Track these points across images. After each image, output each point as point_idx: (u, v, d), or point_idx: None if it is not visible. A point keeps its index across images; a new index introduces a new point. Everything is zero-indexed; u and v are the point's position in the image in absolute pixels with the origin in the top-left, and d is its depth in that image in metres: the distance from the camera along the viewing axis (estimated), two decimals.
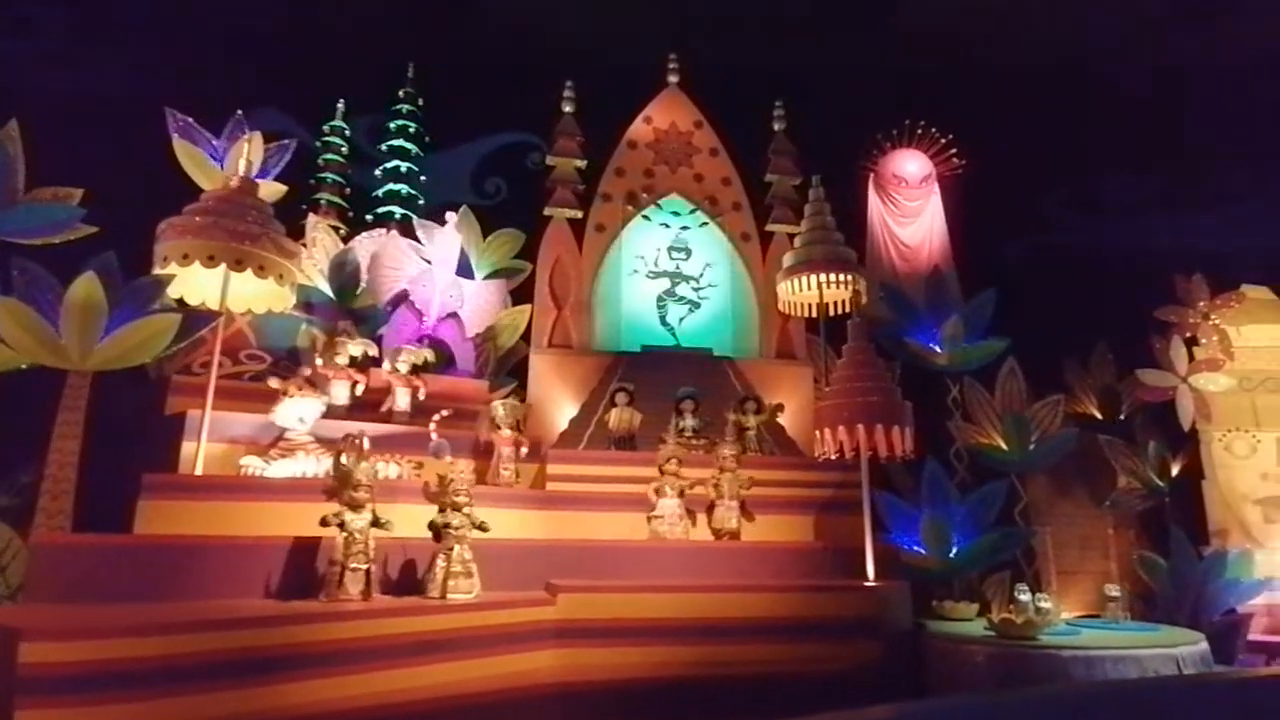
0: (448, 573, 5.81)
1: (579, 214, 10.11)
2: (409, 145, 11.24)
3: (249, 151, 7.79)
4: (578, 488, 7.90)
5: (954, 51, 14.31)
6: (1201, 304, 10.69)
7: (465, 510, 5.98)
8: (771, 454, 9.02)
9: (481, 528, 6.01)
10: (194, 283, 6.86)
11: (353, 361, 7.89)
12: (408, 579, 6.03)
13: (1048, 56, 14.39)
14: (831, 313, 9.68)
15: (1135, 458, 10.65)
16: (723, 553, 7.51)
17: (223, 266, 6.41)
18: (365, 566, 5.47)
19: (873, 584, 6.99)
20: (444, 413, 7.74)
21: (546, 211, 10.07)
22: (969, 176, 13.10)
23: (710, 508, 7.92)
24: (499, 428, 7.94)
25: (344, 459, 5.65)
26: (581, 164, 10.25)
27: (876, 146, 13.25)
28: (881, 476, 10.37)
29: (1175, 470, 10.62)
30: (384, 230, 9.83)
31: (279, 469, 6.59)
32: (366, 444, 5.78)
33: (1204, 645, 6.84)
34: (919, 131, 13.27)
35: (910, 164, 13.34)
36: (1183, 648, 6.39)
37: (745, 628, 6.34)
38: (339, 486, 5.60)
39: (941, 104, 13.26)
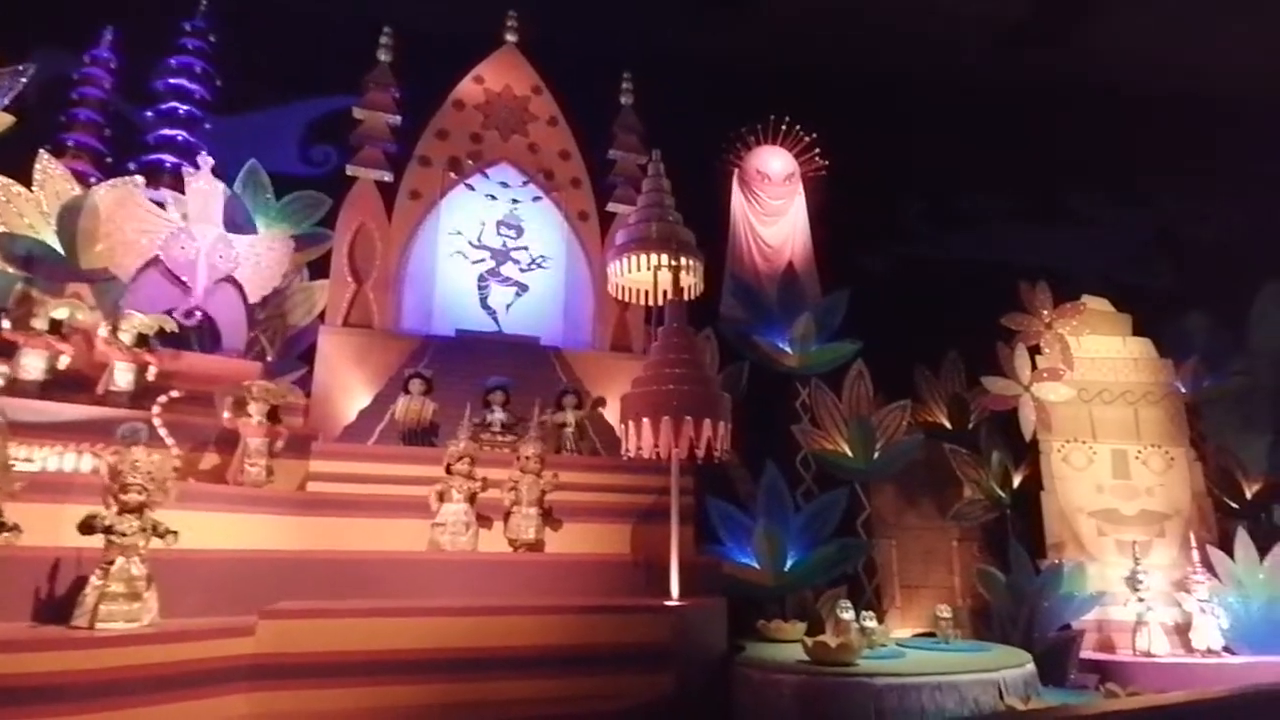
0: (102, 594, 4.39)
1: (388, 176, 8.81)
2: (193, 87, 9.57)
3: None
4: (347, 489, 6.60)
5: (823, 54, 14.01)
6: (1045, 312, 10.54)
7: (143, 513, 4.58)
8: (595, 454, 8.01)
9: (164, 535, 4.63)
10: None
11: (54, 327, 6.29)
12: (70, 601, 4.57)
13: (913, 69, 14.28)
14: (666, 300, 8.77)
15: (979, 468, 10.34)
16: (511, 567, 6.40)
17: None
18: None
19: (676, 603, 6.02)
20: (171, 394, 6.29)
21: (349, 171, 8.73)
22: (831, 181, 12.69)
23: (507, 515, 6.81)
24: (249, 415, 6.55)
25: None
26: (395, 120, 8.95)
27: (741, 141, 12.63)
28: (723, 482, 9.61)
29: (1017, 481, 10.37)
30: (133, 180, 8.11)
31: None
32: None
33: (1030, 667, 6.30)
34: (784, 129, 12.74)
35: (775, 161, 12.75)
36: (1006, 671, 5.78)
37: (511, 659, 5.23)
38: None
39: (806, 105, 12.82)
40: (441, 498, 6.58)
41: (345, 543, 6.31)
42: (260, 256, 8.04)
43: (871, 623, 6.77)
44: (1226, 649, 8.79)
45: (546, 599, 5.94)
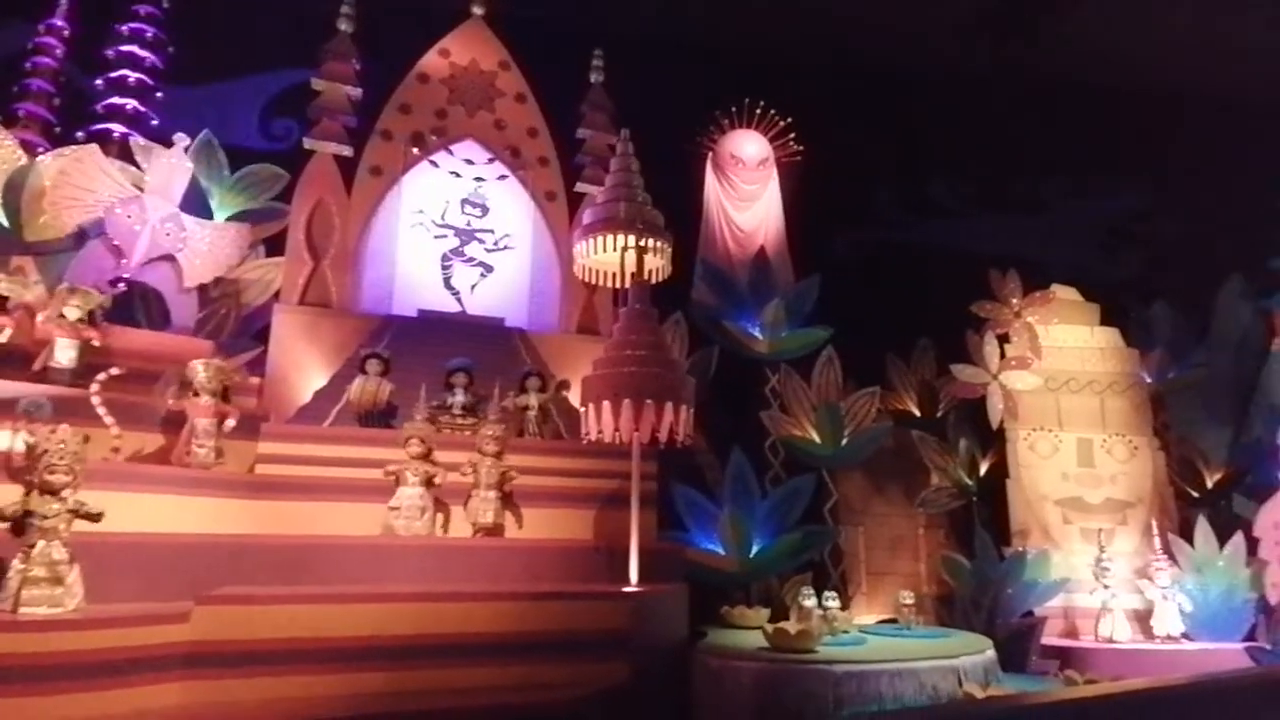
0: (24, 579, 4.17)
1: (348, 151, 8.54)
2: (144, 54, 9.19)
3: None
4: (298, 472, 6.39)
5: (798, 39, 13.88)
6: (1014, 300, 10.54)
7: (64, 494, 4.35)
8: (559, 438, 7.85)
9: (89, 517, 4.40)
10: None
11: None
12: None
13: (888, 56, 14.20)
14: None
15: (947, 455, 10.33)
16: (468, 553, 6.24)
17: None
18: None
19: (633, 590, 5.89)
20: (112, 371, 6.03)
21: (307, 144, 8.44)
22: (805, 168, 12.58)
23: (468, 499, 6.64)
24: (196, 394, 6.31)
25: None
26: (355, 93, 8.66)
27: (715, 124, 12.46)
28: (691, 468, 9.51)
29: (984, 469, 10.39)
30: (88, 147, 7.80)
31: None
32: None
33: (990, 654, 6.27)
34: (758, 113, 12.58)
35: (749, 145, 12.59)
36: (965, 658, 5.73)
37: (462, 646, 5.07)
38: None
39: (781, 90, 12.68)
40: (397, 480, 6.40)
41: (295, 527, 6.13)
42: (211, 242, 7.77)
43: (834, 607, 6.70)
44: (1185, 635, 8.89)
45: (503, 585, 5.79)
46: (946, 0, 13.39)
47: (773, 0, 13.67)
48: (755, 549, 8.44)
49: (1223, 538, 9.25)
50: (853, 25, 13.73)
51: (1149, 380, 10.71)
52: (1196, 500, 10.62)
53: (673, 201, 9.67)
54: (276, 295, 8.40)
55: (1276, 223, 12.87)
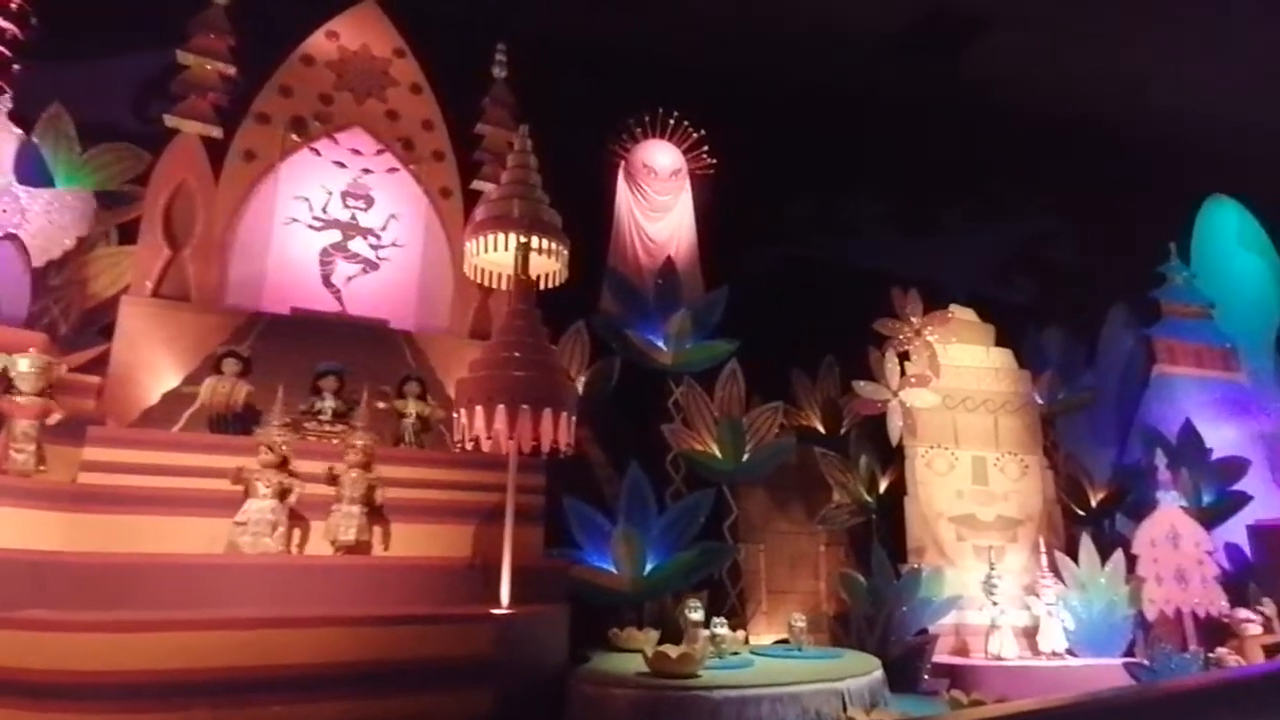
0: None
1: (217, 132, 7.83)
2: (3, 25, 8.19)
3: None
4: (130, 481, 5.66)
5: (715, 52, 13.84)
6: (915, 319, 10.64)
7: None
8: (440, 448, 7.32)
9: None
10: None
11: None
12: None
13: (805, 75, 14.33)
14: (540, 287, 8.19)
15: (848, 472, 10.28)
16: (324, 573, 5.66)
17: None
18: None
19: (502, 612, 5.43)
20: None
21: (168, 122, 7.69)
22: (718, 181, 12.49)
23: (329, 514, 6.05)
24: (16, 391, 5.55)
25: None
26: (228, 70, 7.97)
27: (628, 133, 12.22)
28: (588, 482, 9.12)
29: (883, 486, 10.39)
30: None
31: None
32: None
33: (878, 674, 6.11)
34: (671, 124, 12.43)
35: (662, 156, 12.41)
36: (851, 680, 5.53)
37: (300, 679, 4.51)
38: None
39: (696, 102, 12.58)
40: (246, 492, 5.76)
41: (121, 543, 5.41)
42: (52, 214, 6.94)
43: (723, 630, 6.41)
44: (1070, 652, 9.03)
45: (362, 609, 5.24)
46: (862, 22, 13.64)
47: (689, 12, 13.61)
48: (650, 567, 8.10)
49: (1105, 554, 9.50)
50: (769, 41, 13.80)
51: (1040, 401, 10.99)
52: (1082, 518, 10.91)
53: (583, 209, 9.37)
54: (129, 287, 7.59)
55: (1159, 256, 13.62)
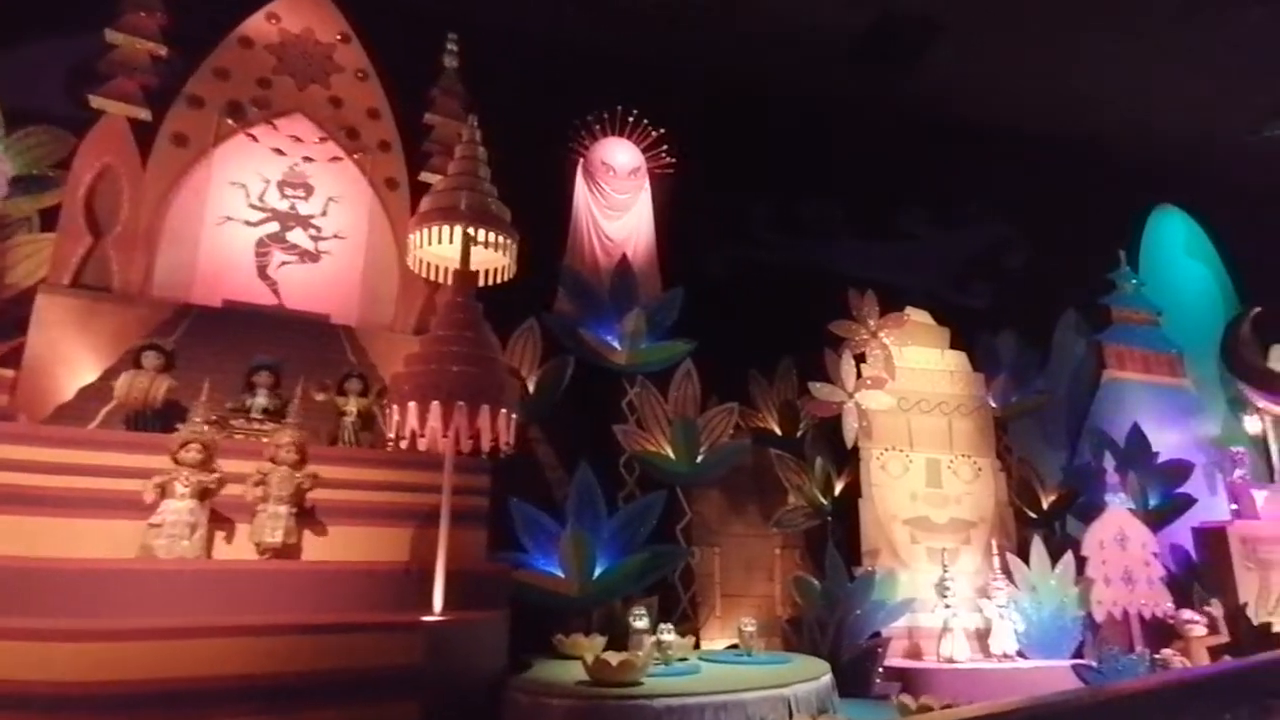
0: None
1: (145, 114, 7.44)
2: None
3: None
4: (28, 480, 5.28)
5: (676, 51, 13.70)
6: (871, 321, 10.62)
7: None
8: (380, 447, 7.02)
9: None
10: None
11: None
12: None
13: (766, 76, 14.28)
14: (483, 282, 7.94)
15: (803, 474, 10.20)
16: (247, 579, 5.33)
17: None
18: None
19: (433, 619, 5.17)
20: None
21: (93, 102, 7.29)
22: (678, 182, 12.36)
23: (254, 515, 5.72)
24: None
25: None
26: (159, 50, 7.58)
27: (587, 130, 12.03)
28: (538, 484, 8.88)
29: (839, 488, 10.31)
30: None
31: None
32: None
33: (827, 679, 5.98)
34: (631, 122, 12.26)
35: (621, 154, 12.24)
36: (798, 686, 5.38)
37: (208, 693, 4.22)
38: None
39: (656, 101, 12.43)
40: (163, 492, 5.41)
41: (34, 546, 5.05)
42: None
43: (669, 636, 6.22)
44: (1020, 653, 9.03)
45: (284, 616, 4.94)
46: (822, 25, 13.62)
47: (650, 10, 13.45)
48: (599, 571, 7.87)
49: (1055, 557, 9.54)
50: (729, 43, 13.72)
51: (993, 404, 11.04)
52: (1034, 521, 10.97)
53: (540, 206, 9.13)
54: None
55: (1109, 263, 13.85)
